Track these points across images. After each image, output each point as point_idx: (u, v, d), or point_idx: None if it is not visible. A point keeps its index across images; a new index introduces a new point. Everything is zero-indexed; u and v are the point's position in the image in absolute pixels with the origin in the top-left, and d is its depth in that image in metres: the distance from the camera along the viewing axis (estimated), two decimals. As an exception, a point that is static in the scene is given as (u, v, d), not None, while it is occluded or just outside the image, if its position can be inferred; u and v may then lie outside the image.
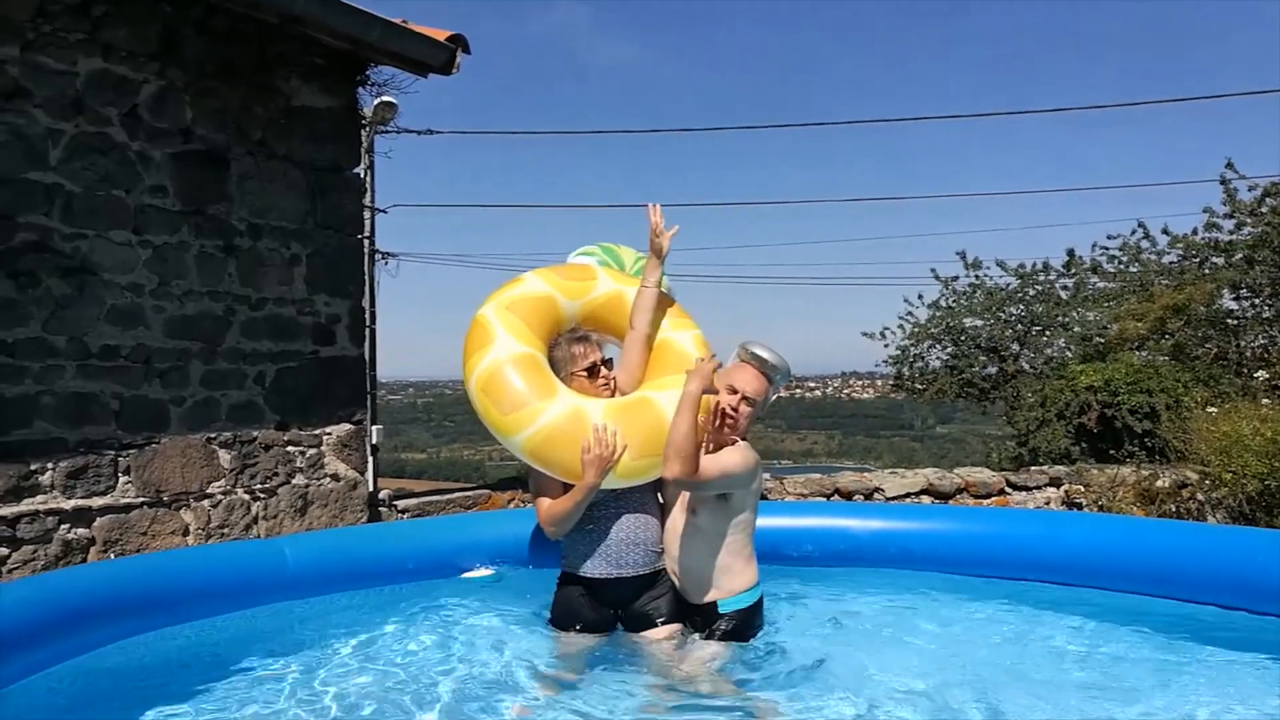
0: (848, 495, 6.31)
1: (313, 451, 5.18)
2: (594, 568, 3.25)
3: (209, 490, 4.70)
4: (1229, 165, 11.30)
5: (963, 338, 13.43)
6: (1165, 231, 12.44)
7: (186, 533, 4.59)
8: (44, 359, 4.14)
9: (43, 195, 4.15)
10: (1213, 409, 6.52)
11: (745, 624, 3.27)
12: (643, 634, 3.28)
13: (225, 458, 4.78)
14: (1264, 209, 10.87)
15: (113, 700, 2.97)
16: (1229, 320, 10.74)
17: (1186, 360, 9.79)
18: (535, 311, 3.45)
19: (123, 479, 4.38)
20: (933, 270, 14.08)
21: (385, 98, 8.67)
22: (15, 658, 2.91)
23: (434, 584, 4.06)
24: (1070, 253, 13.51)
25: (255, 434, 4.92)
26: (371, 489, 5.71)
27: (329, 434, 5.27)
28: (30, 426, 4.09)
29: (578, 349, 3.41)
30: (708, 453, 3.19)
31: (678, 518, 3.29)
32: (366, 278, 7.11)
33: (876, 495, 6.34)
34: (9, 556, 3.99)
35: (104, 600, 3.32)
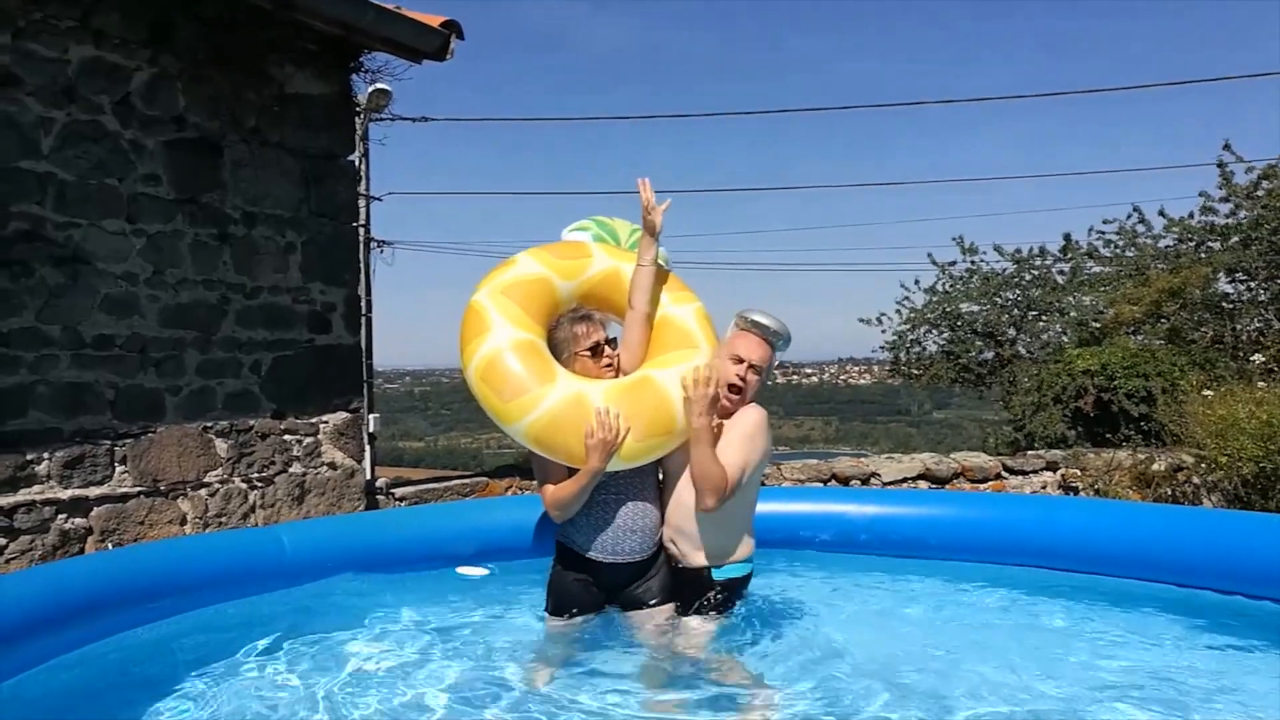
0: (845, 481, 6.32)
1: (309, 440, 5.18)
2: (592, 549, 3.25)
3: (206, 479, 4.70)
4: (1226, 147, 11.28)
5: (959, 323, 13.41)
6: (1162, 214, 12.44)
7: (184, 522, 4.59)
8: (38, 349, 4.12)
9: (35, 184, 4.12)
10: (1208, 392, 6.52)
11: (734, 595, 3.29)
12: (635, 613, 3.30)
13: (222, 447, 4.77)
14: (1260, 192, 10.86)
15: (115, 692, 2.97)
16: (1225, 304, 10.74)
17: (1182, 344, 9.79)
18: (531, 295, 3.39)
19: (119, 468, 4.37)
20: (929, 255, 14.09)
21: (379, 85, 8.62)
22: (14, 651, 2.90)
23: (431, 573, 4.06)
24: (1066, 237, 13.50)
25: (252, 423, 4.91)
26: (369, 477, 5.71)
27: (325, 422, 5.27)
28: (25, 416, 4.08)
29: (580, 329, 3.36)
30: (720, 429, 3.20)
31: (683, 490, 3.26)
32: (362, 266, 7.10)
33: (873, 480, 6.36)
34: (6, 546, 3.99)
35: (102, 592, 3.32)
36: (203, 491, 4.68)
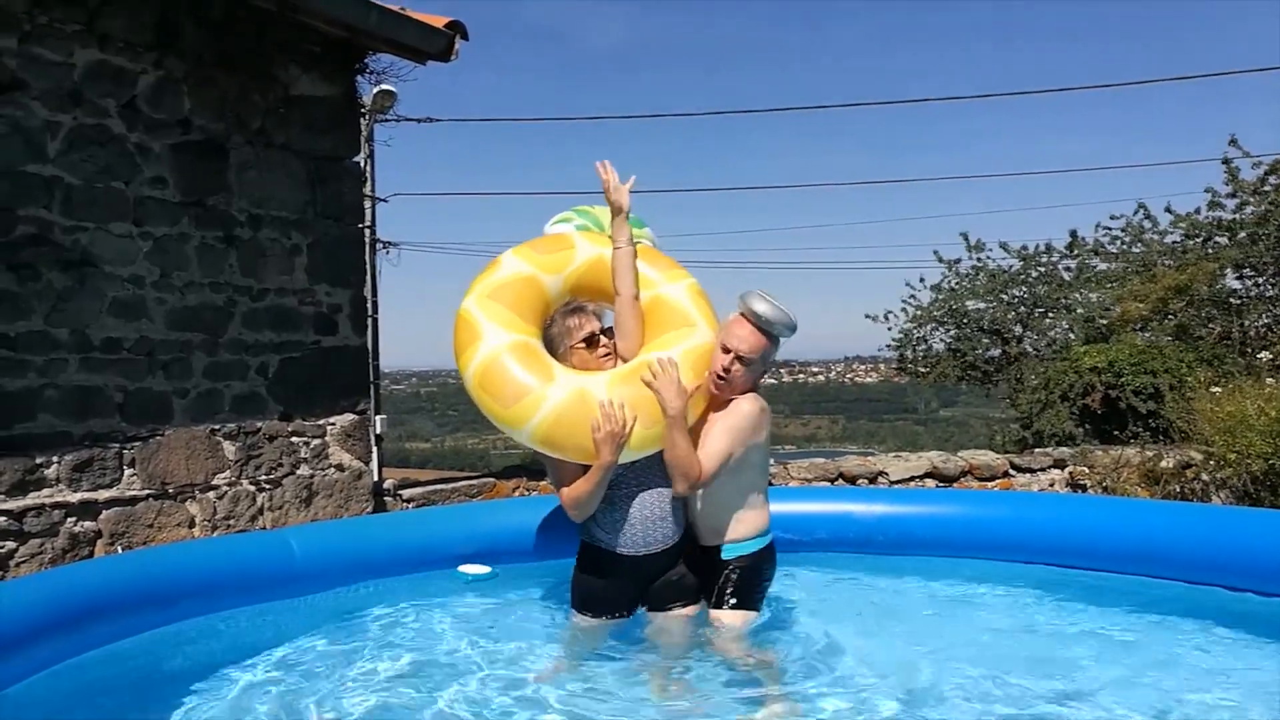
0: (852, 479, 6.31)
1: (317, 442, 5.19)
2: (620, 544, 3.20)
3: (214, 482, 4.71)
4: (1233, 142, 11.23)
5: (965, 320, 13.38)
6: (1168, 210, 12.39)
7: (192, 525, 4.60)
8: (46, 352, 4.13)
9: (42, 188, 4.13)
10: (1217, 389, 6.49)
11: (753, 571, 3.25)
12: (662, 613, 3.28)
13: (230, 449, 4.78)
14: (1267, 187, 10.81)
15: (114, 693, 2.97)
16: (1232, 300, 10.71)
17: (1190, 340, 9.76)
18: (519, 295, 3.33)
19: (128, 471, 4.38)
20: (935, 253, 14.05)
21: (384, 86, 8.65)
22: (18, 657, 2.90)
23: (439, 574, 4.06)
24: (1073, 234, 13.47)
25: (259, 425, 4.92)
26: (376, 479, 5.72)
27: (333, 424, 5.27)
28: (34, 420, 4.09)
29: (573, 321, 3.32)
30: (708, 414, 3.18)
31: None
32: (368, 267, 7.11)
33: (881, 479, 6.34)
34: (16, 550, 4.00)
35: (110, 596, 3.32)
36: (211, 494, 4.69)
